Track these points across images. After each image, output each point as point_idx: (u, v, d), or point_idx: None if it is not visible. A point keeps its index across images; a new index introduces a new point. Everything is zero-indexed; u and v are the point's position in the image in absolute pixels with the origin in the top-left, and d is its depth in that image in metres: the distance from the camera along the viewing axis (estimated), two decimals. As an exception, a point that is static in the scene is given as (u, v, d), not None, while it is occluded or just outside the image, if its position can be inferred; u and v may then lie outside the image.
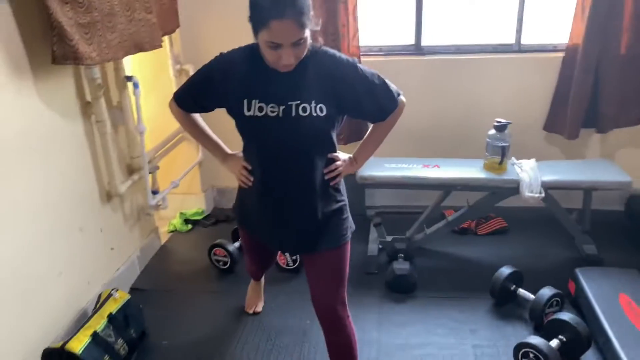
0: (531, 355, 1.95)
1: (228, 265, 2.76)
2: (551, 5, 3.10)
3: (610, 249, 2.75)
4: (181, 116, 1.81)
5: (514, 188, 2.55)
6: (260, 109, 1.56)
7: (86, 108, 2.28)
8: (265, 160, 1.67)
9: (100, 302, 2.22)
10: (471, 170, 2.64)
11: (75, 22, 1.94)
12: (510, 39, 2.99)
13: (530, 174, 2.55)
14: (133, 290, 2.65)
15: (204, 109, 1.79)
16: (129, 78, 2.47)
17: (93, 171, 2.36)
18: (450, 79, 3.03)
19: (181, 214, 3.36)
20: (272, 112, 1.56)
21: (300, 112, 1.55)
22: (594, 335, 2.08)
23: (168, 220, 3.32)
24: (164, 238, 3.15)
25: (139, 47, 2.35)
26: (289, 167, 1.64)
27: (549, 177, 2.54)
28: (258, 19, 1.43)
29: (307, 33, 1.45)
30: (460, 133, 3.08)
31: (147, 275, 2.79)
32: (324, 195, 1.69)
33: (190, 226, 3.30)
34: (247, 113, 1.58)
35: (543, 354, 1.91)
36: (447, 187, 2.68)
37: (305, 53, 1.51)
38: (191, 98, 1.74)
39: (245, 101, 1.58)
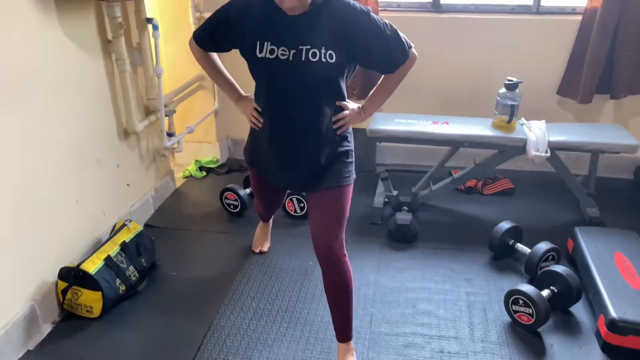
0: (520, 301, 2.02)
1: (238, 209, 2.87)
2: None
3: (614, 214, 2.78)
4: (200, 54, 1.87)
5: (521, 147, 2.58)
6: (272, 52, 1.61)
7: (107, 46, 2.37)
8: (274, 103, 1.72)
9: (114, 231, 2.35)
10: (479, 128, 2.68)
11: (98, -43, 2.01)
12: (529, 0, 2.97)
13: (537, 133, 2.57)
14: (147, 226, 2.78)
15: (220, 48, 1.83)
16: (149, 20, 2.54)
17: (112, 107, 2.45)
18: (467, 39, 3.03)
19: (196, 161, 3.47)
20: (283, 55, 1.61)
21: (310, 57, 1.59)
22: (585, 289, 2.14)
23: (183, 167, 3.43)
24: (178, 182, 3.27)
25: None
26: (297, 110, 1.70)
27: (556, 138, 2.57)
28: None
29: None
30: (472, 93, 3.10)
31: (161, 214, 2.91)
32: (330, 141, 1.75)
33: (204, 173, 3.41)
34: (258, 55, 1.63)
35: (532, 300, 1.98)
36: (454, 143, 2.72)
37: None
38: (209, 37, 1.79)
39: (258, 43, 1.63)
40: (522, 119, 2.71)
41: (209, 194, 3.14)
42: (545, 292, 2.08)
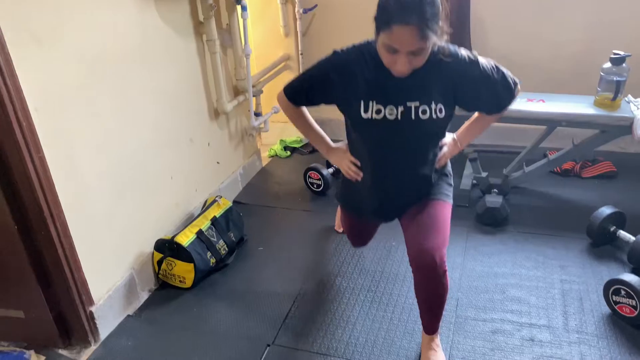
0: (623, 292, 1.88)
1: (321, 188, 2.89)
2: None
3: None
4: (290, 109, 1.79)
5: (626, 126, 2.38)
6: (378, 112, 1.55)
7: (198, 27, 2.45)
8: (379, 159, 1.67)
9: (205, 206, 2.45)
10: (579, 106, 2.49)
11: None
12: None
13: (646, 111, 2.36)
14: (235, 203, 2.88)
15: (313, 103, 1.75)
16: (238, 1, 2.59)
17: (203, 88, 2.55)
18: (569, 6, 2.82)
19: (281, 141, 3.53)
20: (391, 114, 1.55)
21: (420, 115, 1.53)
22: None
23: (269, 147, 3.51)
24: (264, 162, 3.35)
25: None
26: (404, 163, 1.66)
27: (668, 116, 2.33)
28: (382, 20, 1.39)
29: (429, 44, 1.38)
30: (573, 68, 2.89)
31: (248, 191, 3.00)
32: (431, 176, 1.72)
33: (289, 153, 3.46)
34: (364, 115, 1.56)
35: (636, 291, 1.83)
36: (551, 122, 2.55)
37: (422, 63, 1.45)
38: (303, 94, 1.72)
39: (362, 102, 1.56)
40: (629, 95, 2.49)
41: (293, 172, 3.19)
42: (652, 284, 1.91)
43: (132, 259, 2.15)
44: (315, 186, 2.92)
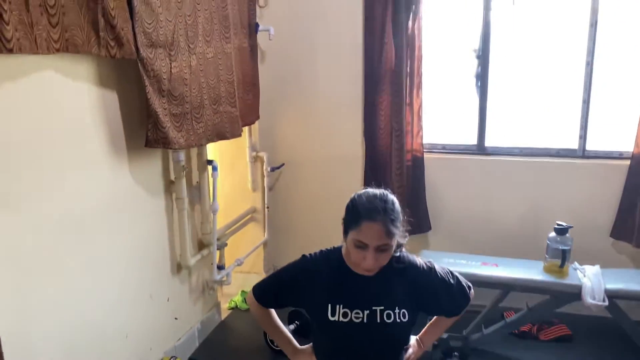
0: None
1: (282, 346, 2.82)
2: (616, 111, 3.14)
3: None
4: (259, 310, 1.80)
5: (576, 294, 2.49)
6: (345, 315, 1.59)
7: (169, 186, 2.55)
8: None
9: (159, 369, 2.35)
10: (531, 272, 2.62)
11: (169, 112, 2.24)
12: (574, 144, 3.03)
13: (592, 279, 2.49)
14: (190, 360, 2.76)
15: (282, 306, 1.82)
16: (210, 162, 2.74)
17: (167, 243, 2.58)
18: (513, 180, 3.08)
19: (242, 292, 3.50)
20: (357, 317, 1.61)
21: (385, 319, 1.61)
22: None
23: (229, 297, 3.46)
24: (224, 314, 3.28)
25: (221, 136, 2.63)
26: None
27: (613, 285, 2.47)
28: (352, 219, 1.52)
29: (393, 242, 1.51)
30: (520, 233, 3.08)
31: (206, 348, 2.90)
32: None
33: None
34: (331, 318, 1.60)
35: None
36: (505, 286, 2.65)
37: (387, 260, 1.58)
38: (272, 295, 1.76)
39: (330, 306, 1.61)
40: (575, 262, 2.65)
41: (253, 327, 3.11)
42: None
43: None
44: (275, 344, 2.85)
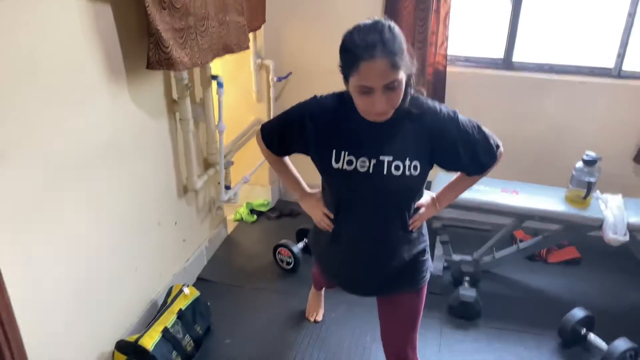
0: (599, 413, 1.89)
1: (292, 266, 2.80)
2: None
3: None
4: (266, 151, 1.72)
5: (596, 227, 2.43)
6: (350, 162, 1.48)
7: (172, 106, 2.32)
8: (348, 213, 1.59)
9: (171, 297, 2.31)
10: (551, 201, 2.52)
11: (172, 27, 1.96)
12: (610, 63, 2.80)
13: (615, 212, 2.41)
14: (200, 280, 2.74)
15: (286, 151, 1.70)
16: (214, 77, 2.48)
17: (173, 167, 2.41)
18: (540, 99, 2.88)
19: (247, 203, 3.42)
20: (362, 166, 1.48)
21: (393, 171, 1.46)
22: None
23: (235, 208, 3.39)
24: (230, 227, 3.22)
25: (227, 49, 2.36)
26: (374, 221, 1.57)
27: (636, 219, 2.40)
28: (348, 64, 1.34)
29: (402, 75, 1.34)
30: (544, 157, 2.95)
31: (214, 266, 2.87)
32: (406, 242, 1.62)
33: (255, 217, 3.36)
34: (335, 165, 1.50)
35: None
36: (523, 217, 2.57)
37: (400, 100, 1.39)
38: (277, 137, 1.66)
39: (334, 152, 1.50)
40: (597, 191, 2.55)
41: (261, 242, 3.09)
42: (626, 402, 1.94)
43: (90, 362, 1.99)
44: (285, 263, 2.83)
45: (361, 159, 1.48)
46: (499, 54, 2.92)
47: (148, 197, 2.24)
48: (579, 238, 2.81)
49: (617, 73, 2.79)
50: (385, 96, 1.35)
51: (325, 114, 1.52)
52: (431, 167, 1.55)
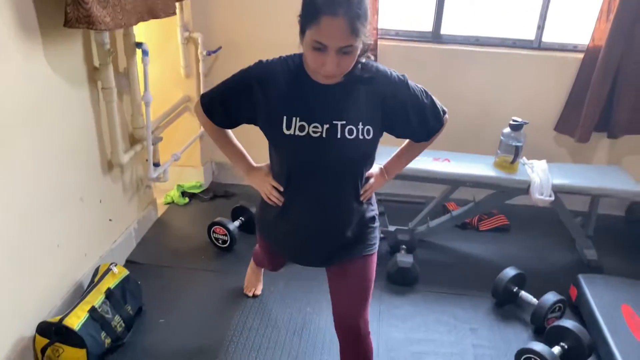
0: (533, 361, 1.95)
1: (227, 244, 2.71)
2: (575, 3, 3.03)
3: (611, 255, 2.76)
4: (208, 121, 1.61)
5: (524, 189, 2.53)
6: (302, 128, 1.44)
7: (93, 73, 2.17)
8: (300, 181, 1.54)
9: (98, 276, 2.16)
10: (481, 167, 2.61)
11: (91, -18, 1.82)
12: (531, 35, 2.92)
13: (541, 175, 2.52)
14: (129, 263, 2.59)
15: (231, 122, 1.61)
16: (139, 45, 2.35)
17: (96, 139, 2.26)
18: (467, 71, 2.96)
19: (179, 186, 3.29)
20: (315, 132, 1.44)
21: (346, 134, 1.44)
22: (595, 345, 2.09)
23: (165, 192, 3.24)
24: (160, 210, 3.08)
25: (152, 14, 2.23)
26: (327, 188, 1.53)
27: (559, 181, 2.52)
28: (309, 14, 1.29)
29: (359, 43, 1.32)
30: (472, 127, 3.04)
31: (144, 249, 2.73)
32: (357, 212, 1.60)
33: (187, 199, 3.23)
34: (286, 132, 1.44)
35: (546, 360, 1.91)
36: (456, 182, 2.64)
37: (351, 66, 1.38)
38: (221, 105, 1.56)
39: (285, 118, 1.45)
40: (524, 157, 2.66)
41: (194, 224, 2.97)
42: (557, 350, 2.01)
43: (8, 347, 1.81)
44: (220, 242, 2.73)
45: (313, 124, 1.44)
46: (428, 27, 2.97)
47: (69, 170, 2.09)
48: (505, 204, 2.93)
49: (538, 44, 2.92)
50: (338, 59, 1.32)
51: (274, 79, 1.46)
52: (381, 134, 1.54)
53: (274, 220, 1.67)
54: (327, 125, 1.44)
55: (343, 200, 1.56)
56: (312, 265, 1.77)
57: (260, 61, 1.50)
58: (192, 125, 3.18)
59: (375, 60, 2.85)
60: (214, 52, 3.02)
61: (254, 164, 1.71)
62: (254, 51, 3.00)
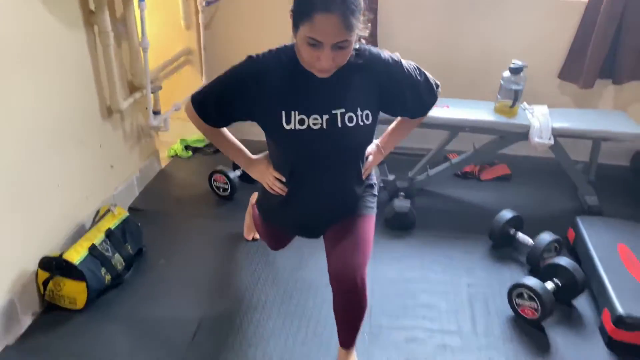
0: (525, 295, 1.96)
1: (228, 192, 2.74)
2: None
3: (612, 202, 2.73)
4: (202, 123, 1.59)
5: (523, 133, 2.50)
6: (302, 122, 1.44)
7: (89, 17, 2.19)
8: (303, 171, 1.57)
9: (98, 217, 2.21)
10: (481, 112, 2.58)
11: None
12: (535, -22, 2.85)
13: (540, 119, 2.49)
14: (131, 210, 2.64)
15: (226, 120, 1.58)
16: (135, -11, 2.36)
17: (94, 84, 2.29)
18: (468, 16, 2.91)
19: (182, 140, 3.32)
20: (315, 124, 1.44)
21: (347, 122, 1.45)
22: (589, 282, 2.09)
23: (169, 145, 3.28)
24: (164, 162, 3.12)
25: (146, -44, 2.23)
26: (330, 175, 1.58)
27: (559, 124, 2.49)
28: (302, 10, 1.27)
29: (354, 37, 1.31)
30: (473, 73, 3.00)
31: (146, 197, 2.77)
32: (358, 187, 1.66)
33: (190, 153, 3.26)
34: (286, 127, 1.44)
35: (537, 294, 1.92)
36: (455, 127, 2.62)
37: (347, 59, 1.37)
38: (214, 105, 1.53)
39: (284, 113, 1.44)
40: (524, 103, 2.63)
41: (197, 175, 3.00)
42: (550, 285, 2.02)
43: (11, 280, 1.88)
44: (221, 190, 2.77)
45: (313, 116, 1.44)
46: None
47: (67, 113, 2.12)
48: (507, 155, 2.90)
49: (542, -12, 2.85)
50: (333, 54, 1.31)
51: (268, 75, 1.45)
52: (378, 114, 1.54)
53: (278, 206, 1.71)
54: (327, 116, 1.44)
55: (347, 184, 1.62)
56: (314, 237, 1.81)
57: (251, 57, 1.47)
58: (192, 78, 3.19)
59: (376, 35, 2.85)
60: (214, 1, 3.00)
61: (253, 157, 1.71)
62: (253, 1, 3.00)
